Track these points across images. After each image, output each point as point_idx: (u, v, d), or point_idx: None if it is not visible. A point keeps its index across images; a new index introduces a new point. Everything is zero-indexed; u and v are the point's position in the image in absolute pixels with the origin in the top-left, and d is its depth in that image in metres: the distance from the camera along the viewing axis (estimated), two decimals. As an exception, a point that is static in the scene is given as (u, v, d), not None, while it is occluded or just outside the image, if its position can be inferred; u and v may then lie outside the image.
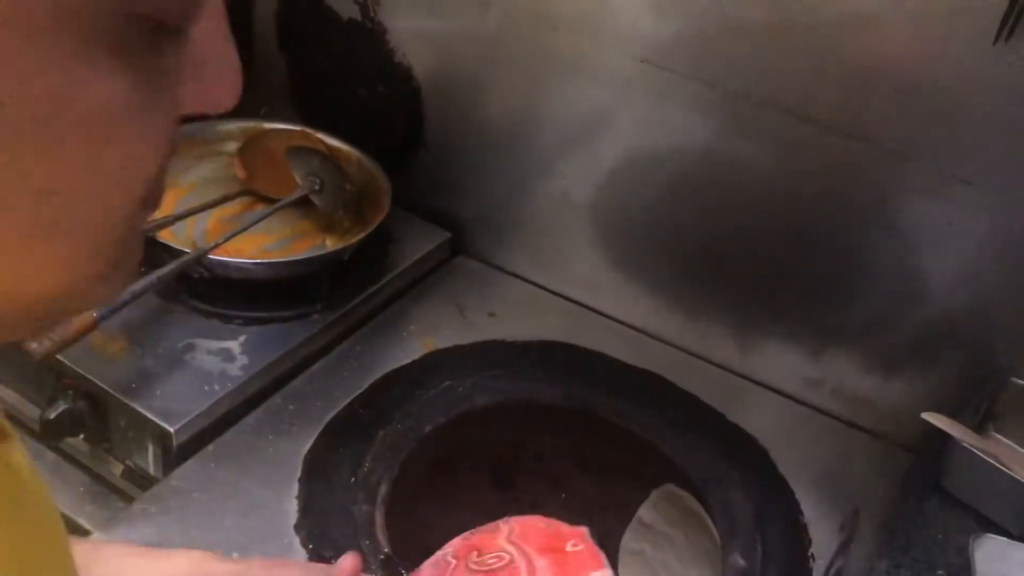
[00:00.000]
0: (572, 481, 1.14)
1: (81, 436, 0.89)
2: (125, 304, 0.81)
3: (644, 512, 1.10)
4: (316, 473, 0.86)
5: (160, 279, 0.83)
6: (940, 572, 0.77)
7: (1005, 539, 0.73)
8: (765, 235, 0.97)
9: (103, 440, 0.90)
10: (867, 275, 0.94)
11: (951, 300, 0.91)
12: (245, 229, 0.92)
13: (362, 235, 0.95)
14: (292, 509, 0.82)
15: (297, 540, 0.80)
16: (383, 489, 0.86)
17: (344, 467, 0.87)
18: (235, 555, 0.76)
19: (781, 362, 1.02)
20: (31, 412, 0.92)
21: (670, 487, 1.05)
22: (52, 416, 0.85)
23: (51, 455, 0.97)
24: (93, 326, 0.79)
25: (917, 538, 0.80)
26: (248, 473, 0.84)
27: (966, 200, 0.84)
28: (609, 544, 1.13)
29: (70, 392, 0.86)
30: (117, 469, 0.92)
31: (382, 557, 0.79)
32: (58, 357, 0.82)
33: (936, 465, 0.85)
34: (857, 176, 0.89)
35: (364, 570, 0.76)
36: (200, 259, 0.88)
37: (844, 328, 0.98)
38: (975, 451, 0.80)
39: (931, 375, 0.94)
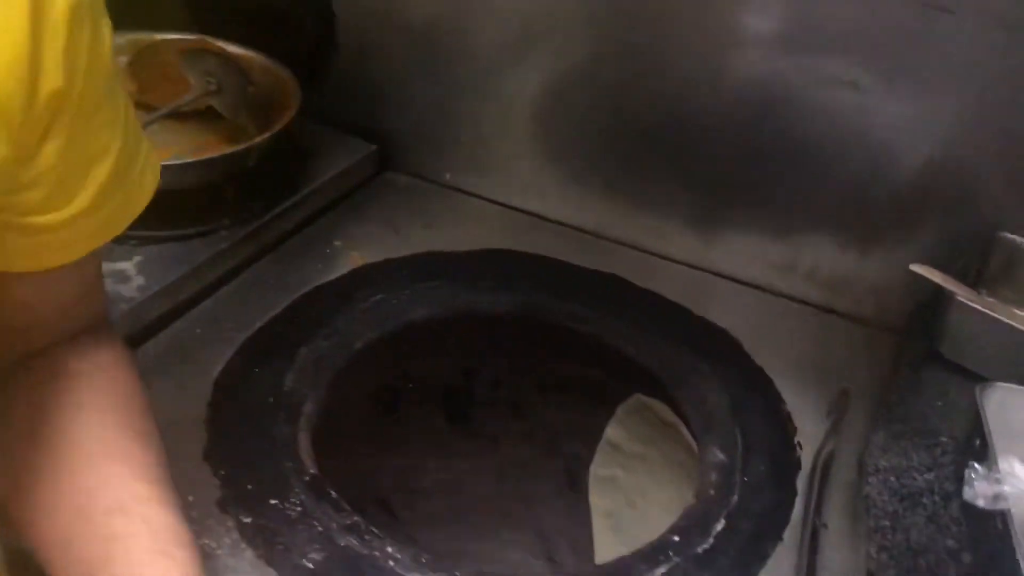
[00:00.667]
0: (532, 406, 1.03)
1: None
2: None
3: (612, 431, 1.00)
4: (228, 396, 0.74)
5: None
6: (944, 439, 0.68)
7: (1016, 385, 0.64)
8: (720, 117, 0.88)
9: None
10: (833, 140, 0.84)
11: (926, 156, 0.82)
12: (131, 132, 0.80)
13: (267, 134, 0.84)
14: (200, 436, 0.71)
15: (207, 468, 0.68)
16: (308, 408, 0.75)
17: (261, 388, 0.75)
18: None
19: (747, 250, 0.93)
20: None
21: (637, 399, 0.95)
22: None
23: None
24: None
25: (916, 407, 0.71)
26: (152, 401, 0.72)
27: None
28: (580, 473, 1.03)
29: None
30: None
31: (307, 479, 0.68)
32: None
33: (929, 332, 0.76)
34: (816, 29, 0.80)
35: (283, 499, 0.66)
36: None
37: (813, 204, 0.88)
38: (974, 306, 0.71)
39: (912, 244, 0.85)
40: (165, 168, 0.80)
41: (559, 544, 1.09)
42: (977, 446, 0.61)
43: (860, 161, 0.84)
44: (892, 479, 0.64)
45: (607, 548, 1.01)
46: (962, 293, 0.71)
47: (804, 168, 0.86)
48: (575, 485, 1.06)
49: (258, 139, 0.83)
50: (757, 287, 0.93)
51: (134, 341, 0.77)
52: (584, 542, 1.03)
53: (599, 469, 1.03)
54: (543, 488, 1.09)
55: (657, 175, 0.94)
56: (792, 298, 0.92)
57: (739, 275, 0.94)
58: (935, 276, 0.72)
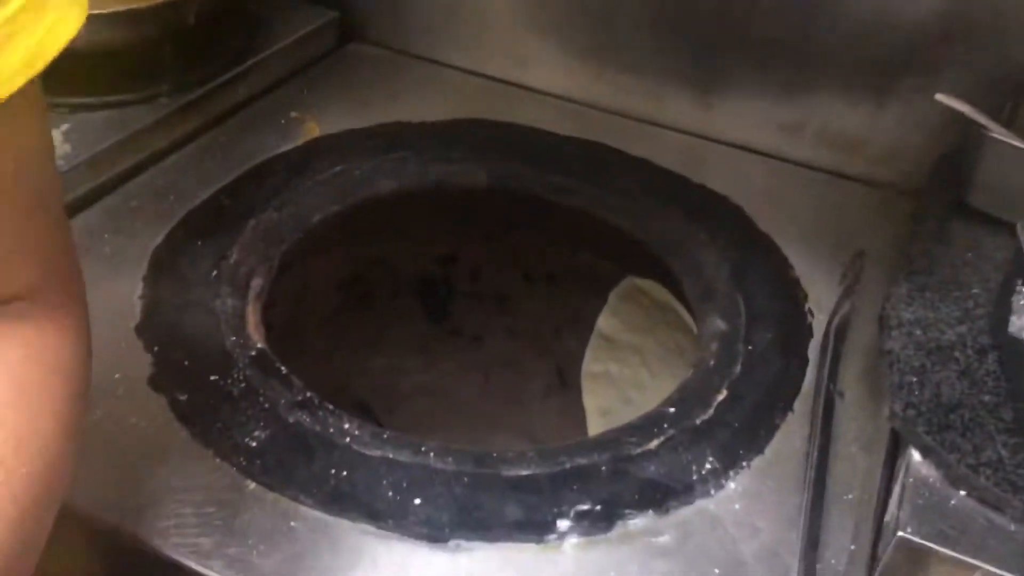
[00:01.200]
0: (517, 299, 0.95)
1: None
2: None
3: (604, 322, 0.92)
4: (165, 269, 0.66)
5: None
6: (976, 291, 0.59)
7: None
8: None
9: None
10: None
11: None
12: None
13: (206, -16, 0.74)
14: (133, 311, 0.62)
15: (140, 344, 0.60)
16: (256, 283, 0.66)
17: (204, 262, 0.67)
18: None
19: (751, 111, 0.83)
20: None
21: (630, 282, 0.87)
22: None
23: None
24: None
25: (943, 258, 0.62)
26: (74, 276, 0.64)
27: None
28: (572, 371, 0.95)
29: None
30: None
31: (252, 353, 0.60)
32: None
33: (956, 180, 0.67)
34: None
35: (224, 375, 0.58)
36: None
37: (820, 55, 0.79)
38: (1010, 141, 0.62)
39: (933, 91, 0.76)
40: (93, 18, 0.71)
41: (551, 448, 1.01)
42: (1020, 286, 0.53)
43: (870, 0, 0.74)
44: (918, 332, 0.56)
45: (602, 447, 0.93)
46: (995, 129, 0.62)
47: (809, 15, 0.77)
48: (567, 383, 0.98)
49: (195, -12, 0.74)
50: (762, 153, 0.84)
51: (61, 214, 0.69)
52: (578, 443, 0.96)
53: (592, 365, 0.95)
54: (533, 388, 1.01)
55: (649, 34, 0.85)
56: (800, 163, 0.83)
57: (742, 140, 0.84)
58: (963, 107, 0.62)
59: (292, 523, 0.51)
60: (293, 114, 0.83)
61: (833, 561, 0.51)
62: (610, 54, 0.87)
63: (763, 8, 0.79)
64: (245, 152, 0.78)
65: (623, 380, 0.94)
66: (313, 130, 0.81)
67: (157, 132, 0.76)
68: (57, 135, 0.72)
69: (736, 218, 0.76)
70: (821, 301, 0.69)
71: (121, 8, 0.72)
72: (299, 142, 0.80)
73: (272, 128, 0.81)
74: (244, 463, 0.53)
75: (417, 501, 0.52)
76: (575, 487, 0.54)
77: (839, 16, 0.76)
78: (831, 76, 0.80)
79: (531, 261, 0.92)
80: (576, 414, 0.95)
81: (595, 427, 0.94)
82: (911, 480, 0.48)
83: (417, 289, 0.94)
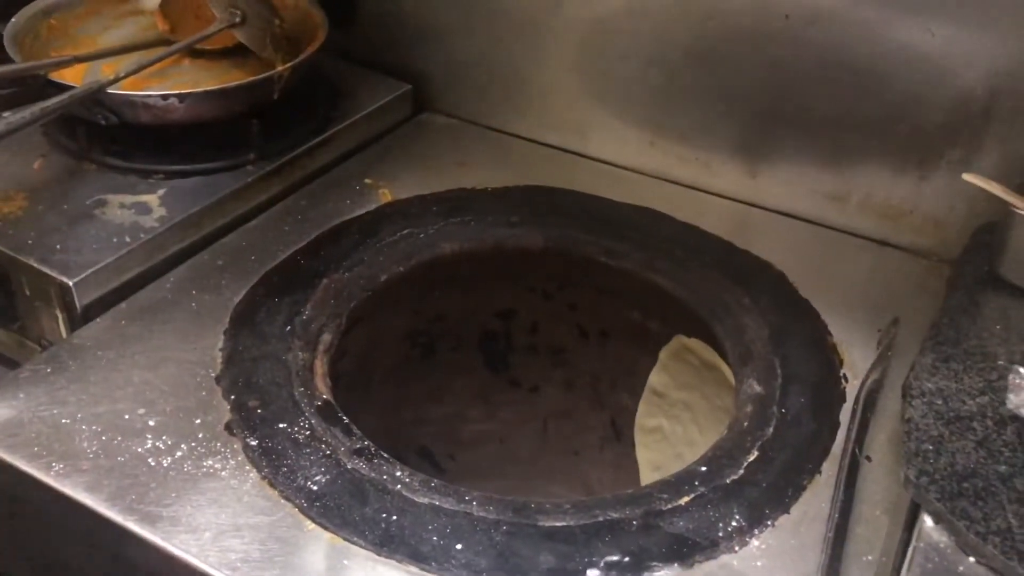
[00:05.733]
0: (572, 353, 1.00)
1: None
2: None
3: (655, 378, 0.95)
4: (245, 323, 0.73)
5: (45, 111, 0.71)
6: (1002, 363, 0.61)
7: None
8: (765, 37, 0.82)
9: (12, 320, 0.78)
10: (885, 55, 0.78)
11: (987, 70, 0.75)
12: (151, 64, 0.79)
13: (290, 64, 0.82)
14: (214, 361, 0.69)
15: (219, 392, 0.67)
16: (325, 338, 0.73)
17: (279, 317, 0.74)
18: (141, 412, 0.64)
19: (797, 179, 0.87)
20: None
21: (679, 340, 0.90)
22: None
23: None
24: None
25: (969, 330, 0.64)
26: (165, 328, 0.71)
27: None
28: (625, 423, 0.99)
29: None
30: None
31: (319, 403, 0.66)
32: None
33: (988, 252, 0.70)
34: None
35: (292, 422, 0.64)
36: (96, 95, 0.75)
37: (865, 126, 0.82)
38: (1036, 218, 0.65)
39: (975, 163, 0.78)
40: (187, 97, 0.80)
41: (606, 499, 1.05)
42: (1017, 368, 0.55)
43: (915, 76, 0.78)
44: (938, 402, 0.58)
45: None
46: (1021, 204, 0.65)
47: (855, 87, 0.81)
48: (621, 436, 1.02)
49: (280, 68, 0.82)
50: (806, 220, 0.88)
51: (156, 272, 0.76)
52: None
53: (645, 419, 0.99)
54: (588, 439, 1.05)
55: (700, 105, 0.89)
56: (844, 231, 0.86)
57: (787, 207, 0.88)
58: (992, 187, 0.65)
59: (345, 561, 0.56)
60: (367, 180, 0.90)
61: (848, 620, 0.54)
62: (663, 124, 0.92)
63: (810, 81, 0.83)
64: (322, 216, 0.85)
65: (675, 436, 0.97)
66: (386, 196, 0.88)
67: (243, 197, 0.83)
68: (153, 199, 0.80)
69: (778, 283, 0.80)
70: (856, 367, 0.71)
71: (214, 87, 0.81)
72: (371, 207, 0.86)
73: (348, 193, 0.88)
74: (305, 504, 0.59)
75: (459, 546, 0.57)
76: (607, 539, 0.58)
77: (884, 90, 0.80)
78: (876, 146, 0.83)
79: (585, 318, 0.96)
80: (630, 467, 0.99)
81: (647, 481, 0.97)
82: (922, 545, 0.51)
83: (478, 342, 1.00)
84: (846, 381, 0.70)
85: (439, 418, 1.04)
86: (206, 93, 0.80)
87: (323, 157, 0.91)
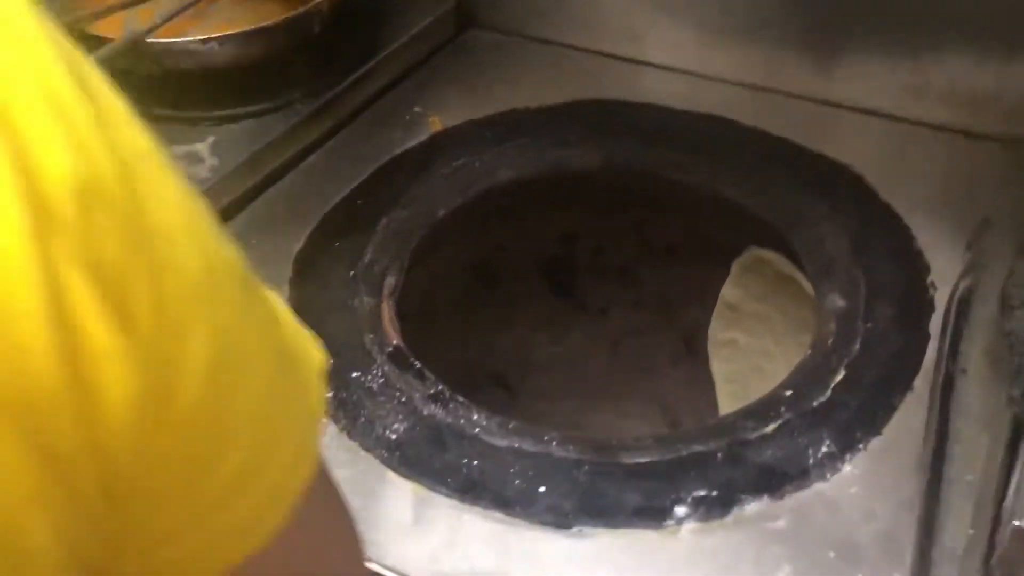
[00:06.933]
0: (640, 273, 0.97)
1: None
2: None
3: (728, 292, 0.93)
4: (308, 272, 0.72)
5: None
6: (1110, 264, 0.57)
7: None
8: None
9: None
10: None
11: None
12: (185, 8, 0.76)
13: (332, -5, 0.78)
14: (282, 313, 0.68)
15: (288, 345, 0.66)
16: (390, 281, 0.71)
17: (341, 263, 0.72)
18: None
19: (872, 73, 0.81)
20: None
21: (753, 252, 0.87)
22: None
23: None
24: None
25: (1073, 229, 0.60)
26: (229, 282, 0.71)
27: None
28: (698, 340, 0.97)
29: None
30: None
31: (390, 350, 0.65)
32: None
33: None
34: None
35: (365, 371, 0.63)
36: (137, 45, 0.73)
37: (944, 9, 0.76)
38: None
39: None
40: (227, 39, 0.77)
41: (682, 413, 1.04)
42: None
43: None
44: (1042, 312, 0.55)
45: (733, 414, 0.95)
46: None
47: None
48: (693, 351, 1.00)
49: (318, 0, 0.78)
50: (884, 115, 0.82)
51: (213, 224, 0.75)
52: (708, 410, 0.98)
53: (718, 333, 0.96)
54: (660, 356, 1.03)
55: (763, -1, 0.84)
56: (925, 124, 0.81)
57: (863, 103, 0.83)
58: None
59: (430, 511, 0.56)
60: (417, 109, 0.87)
61: (951, 546, 0.52)
62: (725, 22, 0.87)
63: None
64: (375, 150, 0.82)
65: (751, 349, 0.94)
66: (436, 124, 0.85)
67: (293, 137, 0.81)
68: (204, 148, 0.79)
69: (856, 186, 0.76)
70: (945, 273, 0.68)
71: (252, 27, 0.78)
72: (423, 137, 0.84)
73: (398, 124, 0.85)
74: (386, 455, 0.59)
75: (542, 489, 0.56)
76: (692, 473, 0.56)
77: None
78: (956, 32, 0.77)
79: (651, 235, 0.93)
80: (705, 381, 0.97)
81: (723, 394, 0.96)
82: (1029, 467, 0.49)
83: (541, 268, 0.98)
84: (934, 289, 0.67)
85: (508, 346, 1.03)
86: (245, 34, 0.77)
87: (370, 87, 0.88)
